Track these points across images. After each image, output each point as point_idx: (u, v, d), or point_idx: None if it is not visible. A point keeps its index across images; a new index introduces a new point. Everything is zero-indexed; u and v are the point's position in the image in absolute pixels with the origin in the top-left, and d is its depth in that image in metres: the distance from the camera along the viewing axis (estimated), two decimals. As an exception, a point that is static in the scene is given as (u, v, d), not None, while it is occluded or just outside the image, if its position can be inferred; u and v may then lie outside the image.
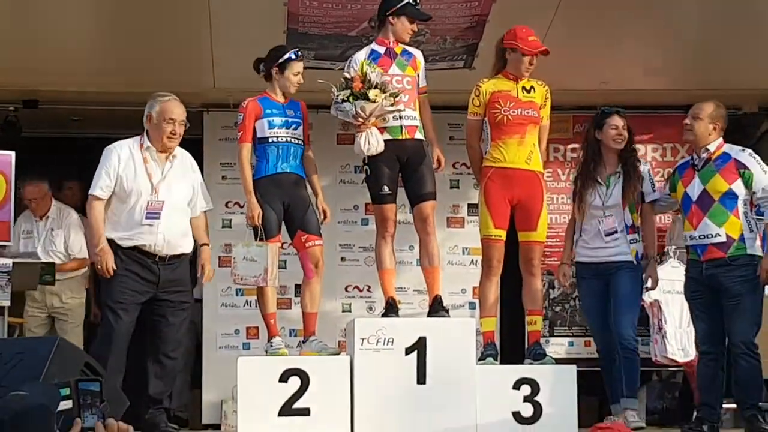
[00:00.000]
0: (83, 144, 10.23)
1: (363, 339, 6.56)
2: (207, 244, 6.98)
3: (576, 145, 9.48)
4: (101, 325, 6.94)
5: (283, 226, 7.00)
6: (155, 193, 6.71)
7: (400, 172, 6.97)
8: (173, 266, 6.78)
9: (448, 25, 8.02)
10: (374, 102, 6.70)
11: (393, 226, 7.00)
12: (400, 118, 6.89)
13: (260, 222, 6.82)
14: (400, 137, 6.90)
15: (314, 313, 6.97)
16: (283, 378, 6.52)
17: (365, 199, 8.03)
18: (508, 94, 6.95)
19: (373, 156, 6.87)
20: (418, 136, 6.97)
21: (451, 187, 9.35)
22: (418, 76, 7.07)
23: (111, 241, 6.71)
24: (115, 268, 6.66)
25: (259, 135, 6.94)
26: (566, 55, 8.36)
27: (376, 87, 6.73)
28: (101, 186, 6.74)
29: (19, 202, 8.08)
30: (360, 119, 6.75)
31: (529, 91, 7.00)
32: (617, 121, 7.12)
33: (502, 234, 6.95)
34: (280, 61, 6.99)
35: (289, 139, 6.94)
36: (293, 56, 7.01)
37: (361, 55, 6.96)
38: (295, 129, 6.97)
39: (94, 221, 6.76)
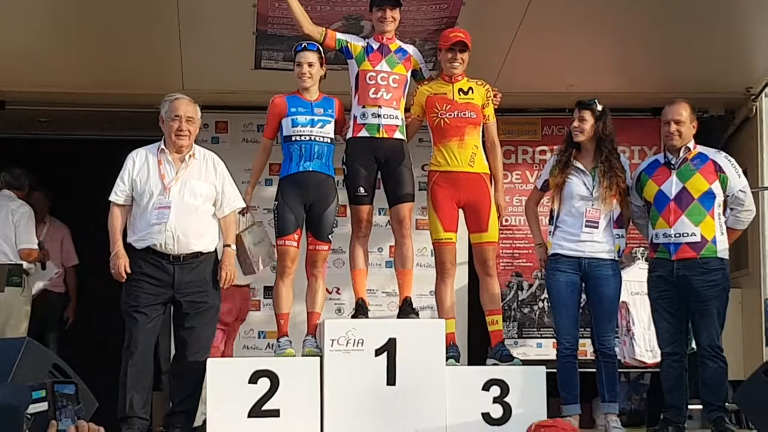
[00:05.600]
0: (51, 145, 10.21)
1: (333, 340, 6.56)
2: (229, 246, 6.88)
3: (544, 147, 9.53)
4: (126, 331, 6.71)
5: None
6: (166, 193, 6.64)
7: (379, 171, 6.99)
8: (190, 266, 6.67)
9: (417, 27, 8.03)
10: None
11: (367, 227, 7.05)
12: (379, 116, 6.91)
13: (247, 211, 6.97)
14: (377, 135, 6.94)
15: (313, 312, 6.95)
16: (253, 379, 6.50)
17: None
18: (444, 97, 7.02)
19: (350, 155, 6.94)
20: (398, 135, 6.99)
21: (420, 189, 9.33)
22: (417, 71, 7.14)
23: (129, 245, 6.67)
24: (128, 272, 6.59)
25: (284, 133, 6.93)
26: (534, 58, 8.41)
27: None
28: (116, 191, 6.71)
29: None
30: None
31: (466, 93, 7.03)
32: (577, 113, 7.03)
33: (453, 236, 7.01)
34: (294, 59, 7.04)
35: (313, 137, 6.88)
36: (298, 48, 6.99)
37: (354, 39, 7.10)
38: (322, 127, 6.90)
39: (111, 227, 6.69)
